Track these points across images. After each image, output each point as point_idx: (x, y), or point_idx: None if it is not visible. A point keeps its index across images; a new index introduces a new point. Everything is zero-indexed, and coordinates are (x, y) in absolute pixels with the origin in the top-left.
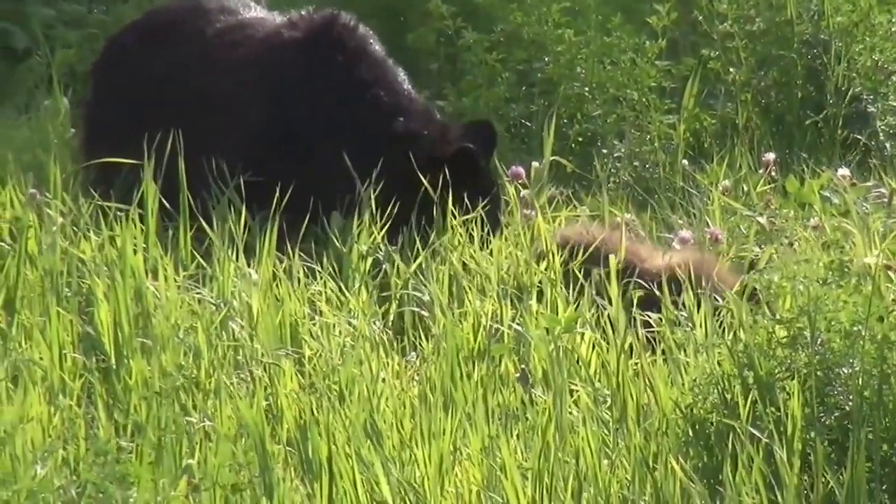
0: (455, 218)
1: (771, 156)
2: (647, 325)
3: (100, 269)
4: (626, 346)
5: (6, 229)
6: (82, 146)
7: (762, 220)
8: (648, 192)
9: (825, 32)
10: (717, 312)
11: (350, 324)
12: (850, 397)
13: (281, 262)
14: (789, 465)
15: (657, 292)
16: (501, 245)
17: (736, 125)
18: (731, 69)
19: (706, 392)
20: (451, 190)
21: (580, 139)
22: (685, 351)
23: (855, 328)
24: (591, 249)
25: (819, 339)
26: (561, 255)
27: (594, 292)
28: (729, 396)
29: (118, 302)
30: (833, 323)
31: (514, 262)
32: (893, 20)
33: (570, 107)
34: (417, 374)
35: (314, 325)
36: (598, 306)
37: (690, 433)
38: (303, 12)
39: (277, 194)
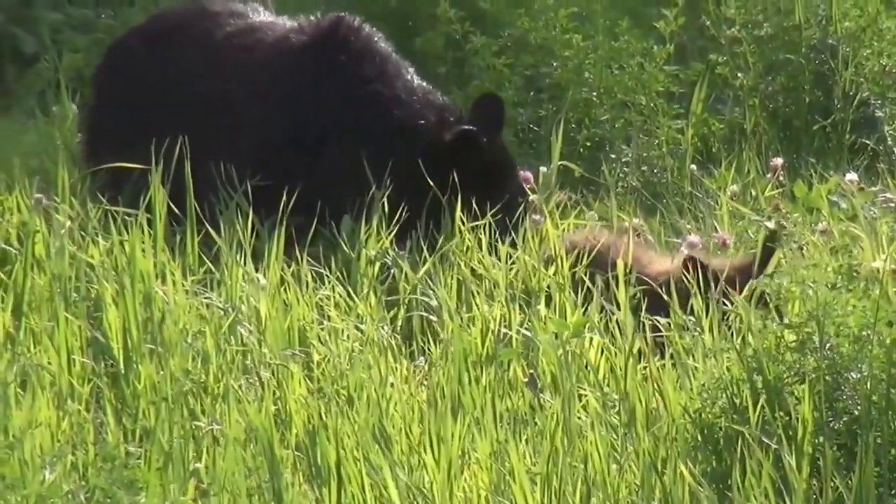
0: (464, 224)
1: (779, 160)
2: (655, 329)
3: (108, 273)
4: (635, 350)
5: (14, 234)
6: (87, 151)
7: (770, 224)
8: (656, 196)
9: (833, 37)
10: (725, 317)
11: (358, 328)
12: (859, 402)
13: (289, 266)
14: (798, 469)
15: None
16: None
17: (744, 130)
18: (738, 74)
19: (715, 397)
20: (458, 175)
21: (588, 144)
22: (694, 355)
23: (863, 333)
24: (595, 254)
25: (828, 344)
26: (568, 261)
27: (601, 297)
28: (738, 401)
29: (126, 307)
30: (842, 327)
31: (523, 267)
32: None
33: (578, 112)
34: (426, 379)
35: (322, 329)
36: (605, 311)
37: (699, 438)
38: (311, 17)
39: (287, 198)
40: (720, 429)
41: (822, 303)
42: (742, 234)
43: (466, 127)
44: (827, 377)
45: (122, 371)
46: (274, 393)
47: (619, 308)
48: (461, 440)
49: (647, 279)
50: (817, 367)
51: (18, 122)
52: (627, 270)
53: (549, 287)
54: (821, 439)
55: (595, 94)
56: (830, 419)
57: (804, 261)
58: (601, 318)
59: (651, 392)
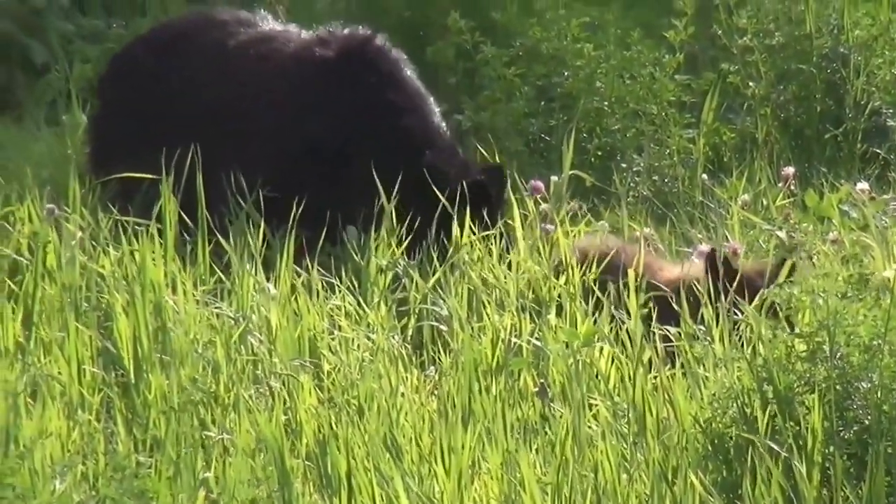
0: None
1: (790, 170)
2: (666, 339)
3: (119, 283)
4: (645, 359)
5: (25, 245)
6: (93, 160)
7: (781, 234)
8: (667, 206)
9: (844, 46)
10: (736, 326)
11: (369, 338)
12: (870, 411)
13: (299, 276)
14: (808, 479)
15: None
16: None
17: (755, 139)
18: (750, 83)
19: (725, 406)
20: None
21: (599, 153)
22: (704, 365)
23: (874, 342)
24: (605, 262)
25: (838, 354)
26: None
27: (612, 306)
28: (748, 411)
29: (137, 316)
30: (852, 337)
31: (533, 277)
32: None
33: (590, 121)
34: (436, 389)
35: (333, 339)
36: (616, 320)
37: (709, 447)
38: (334, 30)
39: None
40: (731, 438)
41: (833, 312)
42: (753, 244)
43: (482, 178)
44: (837, 387)
45: (133, 381)
46: (284, 402)
47: (629, 316)
48: (471, 450)
49: (658, 287)
50: (828, 376)
51: (29, 132)
52: (638, 278)
53: (559, 296)
54: (831, 449)
55: (606, 103)
56: (841, 428)
57: (815, 270)
58: (611, 328)
59: (661, 401)
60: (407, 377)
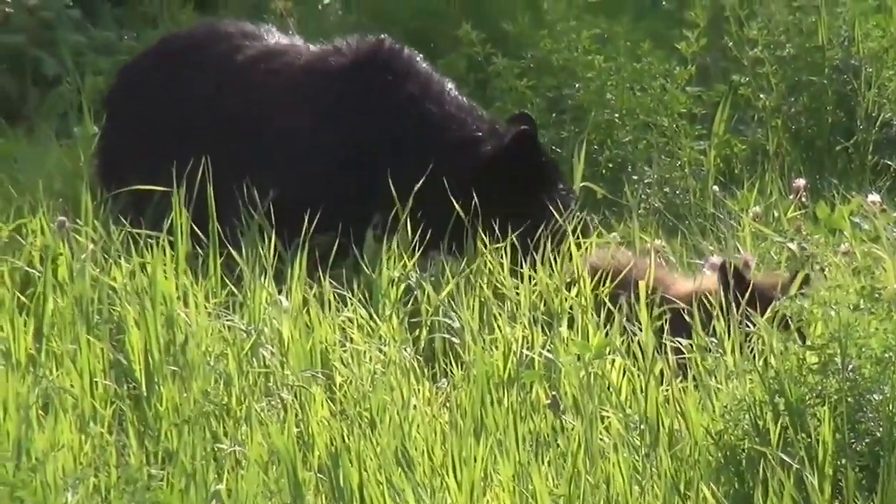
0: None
1: (801, 181)
2: (678, 351)
3: (130, 296)
4: (657, 372)
5: (37, 257)
6: (102, 173)
7: (793, 246)
8: (679, 218)
9: (856, 58)
10: (748, 338)
11: (381, 350)
12: (881, 423)
13: (311, 288)
14: (820, 491)
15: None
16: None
17: (766, 151)
18: (761, 95)
19: (737, 418)
20: (520, 176)
21: (610, 165)
22: (716, 377)
23: (886, 354)
24: (619, 277)
25: (850, 366)
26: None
27: (624, 319)
28: (760, 423)
29: (149, 329)
30: (864, 349)
31: (545, 289)
32: None
33: (601, 133)
34: (448, 401)
35: (345, 351)
36: (627, 332)
37: (722, 459)
38: (346, 40)
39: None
40: (743, 450)
41: (845, 325)
42: (764, 256)
43: (524, 127)
44: (849, 399)
45: (145, 393)
46: (296, 415)
47: (641, 329)
48: (483, 462)
49: (673, 300)
50: (839, 388)
51: (41, 145)
52: (651, 292)
53: (571, 309)
54: (843, 461)
55: (617, 115)
56: (852, 440)
57: (826, 282)
58: (623, 340)
59: (673, 413)
60: (419, 389)
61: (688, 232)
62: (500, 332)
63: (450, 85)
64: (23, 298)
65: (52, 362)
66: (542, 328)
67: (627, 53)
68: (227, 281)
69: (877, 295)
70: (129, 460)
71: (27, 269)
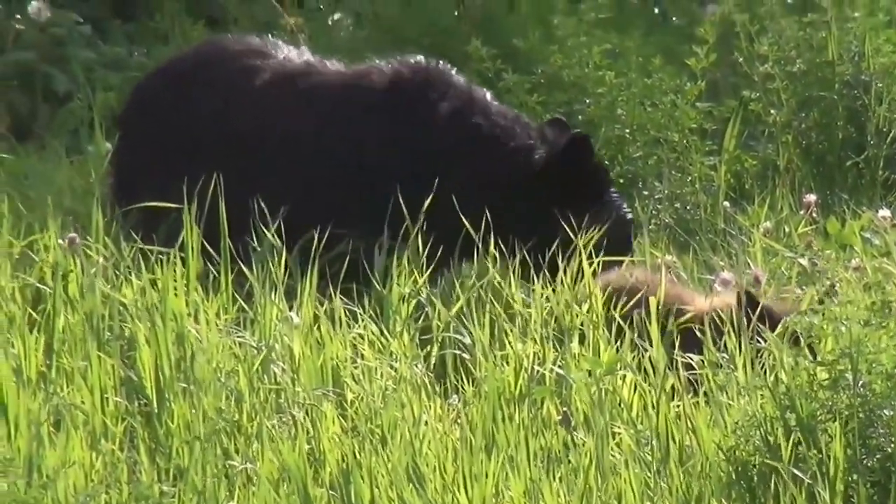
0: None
1: (812, 197)
2: (689, 367)
3: (141, 313)
4: (668, 387)
5: (49, 274)
6: (117, 191)
7: (803, 261)
8: (689, 233)
9: (866, 73)
10: (759, 354)
11: (392, 367)
12: (892, 439)
13: (322, 304)
14: None
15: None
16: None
17: (777, 166)
18: (771, 110)
19: (748, 434)
20: (573, 180)
21: (621, 181)
22: (727, 393)
23: None
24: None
25: (861, 382)
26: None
27: (636, 335)
28: (771, 438)
29: (159, 346)
30: (874, 365)
31: (556, 305)
32: None
33: (611, 148)
34: (459, 417)
35: (356, 368)
36: (639, 348)
37: (733, 475)
38: (380, 61)
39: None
40: (754, 466)
41: (856, 340)
42: (775, 271)
43: (577, 131)
44: (860, 414)
45: (156, 410)
46: (307, 432)
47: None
48: (495, 478)
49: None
50: (850, 404)
51: (51, 161)
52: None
53: (582, 325)
54: (854, 476)
55: (628, 130)
56: (864, 456)
57: (837, 298)
58: (634, 356)
59: (685, 429)
60: (430, 406)
61: (698, 247)
62: (512, 348)
63: (489, 96)
64: (34, 315)
65: (63, 379)
66: (554, 344)
67: (638, 69)
68: (238, 297)
69: (887, 310)
70: (141, 477)
71: (38, 285)
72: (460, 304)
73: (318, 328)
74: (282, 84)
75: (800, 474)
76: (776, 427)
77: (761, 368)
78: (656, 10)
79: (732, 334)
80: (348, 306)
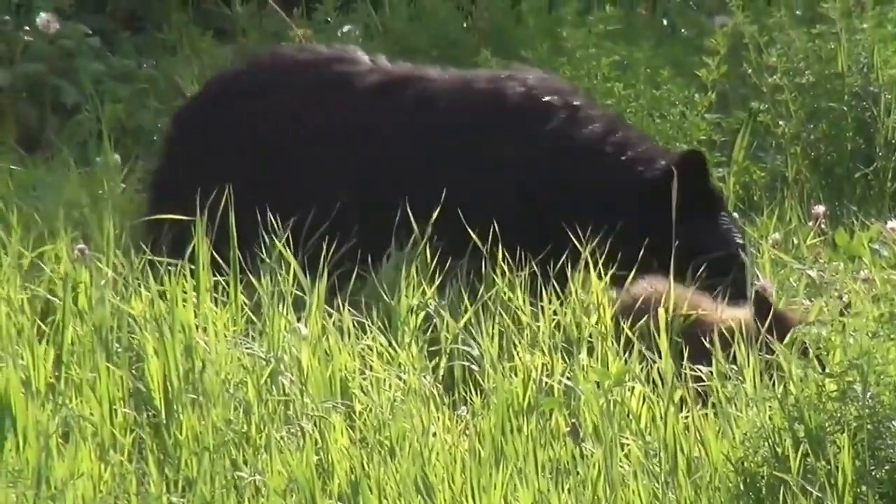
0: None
1: (821, 208)
2: (698, 378)
3: (149, 324)
4: (677, 399)
5: (59, 285)
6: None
7: (812, 273)
8: None
9: (875, 85)
10: (768, 366)
11: (400, 378)
12: None
13: (330, 316)
14: None
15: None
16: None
17: (786, 178)
18: (780, 122)
19: (757, 445)
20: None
21: None
22: (735, 404)
23: None
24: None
25: (869, 393)
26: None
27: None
28: (780, 450)
29: (168, 357)
30: (883, 376)
31: (563, 316)
32: None
33: None
34: (468, 429)
35: (364, 379)
36: (647, 360)
37: (741, 486)
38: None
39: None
40: (762, 477)
41: (864, 352)
42: (784, 283)
43: (693, 149)
44: (868, 426)
45: (164, 421)
46: (316, 443)
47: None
48: (503, 490)
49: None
50: (859, 415)
51: (60, 173)
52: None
53: (590, 336)
54: (863, 488)
55: None
56: (872, 468)
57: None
58: (643, 367)
59: (693, 441)
60: (438, 417)
61: None
62: (520, 359)
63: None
64: (43, 326)
65: (72, 390)
66: (562, 355)
67: (647, 80)
68: (247, 308)
69: None
70: (149, 488)
71: (48, 296)
72: (468, 315)
73: (327, 339)
74: (393, 91)
75: (808, 486)
76: (785, 438)
77: (770, 379)
78: (665, 22)
79: (743, 345)
80: (356, 317)
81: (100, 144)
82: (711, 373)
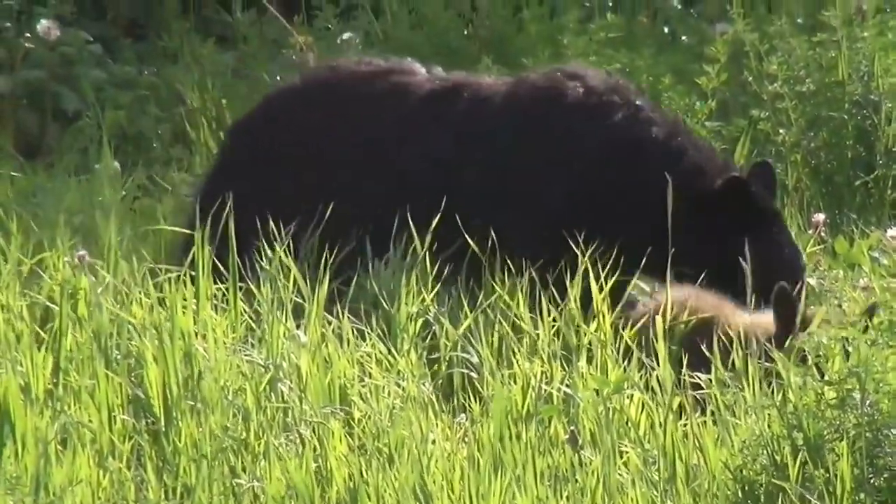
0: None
1: (821, 216)
2: (696, 386)
3: (149, 331)
4: (675, 406)
5: (58, 292)
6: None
7: (812, 281)
8: None
9: (875, 93)
10: (767, 374)
11: (399, 385)
12: None
13: (329, 323)
14: None
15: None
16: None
17: (786, 186)
18: (781, 130)
19: (755, 453)
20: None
21: None
22: (734, 412)
23: None
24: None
25: (868, 401)
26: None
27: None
28: (778, 458)
29: (167, 364)
30: (882, 384)
31: (563, 324)
32: None
33: None
34: (466, 436)
35: (363, 386)
36: (646, 367)
37: (740, 494)
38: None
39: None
40: (761, 485)
41: (863, 360)
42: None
43: (735, 174)
44: (867, 434)
45: (163, 428)
46: (314, 450)
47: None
48: (502, 497)
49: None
50: (857, 423)
51: (61, 180)
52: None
53: (590, 343)
54: (862, 496)
55: None
56: (871, 476)
57: (845, 317)
58: (641, 375)
59: (692, 448)
60: (437, 424)
61: None
62: (519, 366)
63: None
64: (42, 333)
65: (71, 397)
66: (561, 363)
67: (648, 88)
68: (246, 315)
69: (895, 330)
70: (148, 495)
71: (48, 304)
72: (468, 322)
73: (326, 346)
74: (449, 96)
75: (807, 494)
76: (783, 446)
77: (769, 387)
78: (666, 30)
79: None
80: (356, 325)
81: (100, 151)
82: (710, 380)
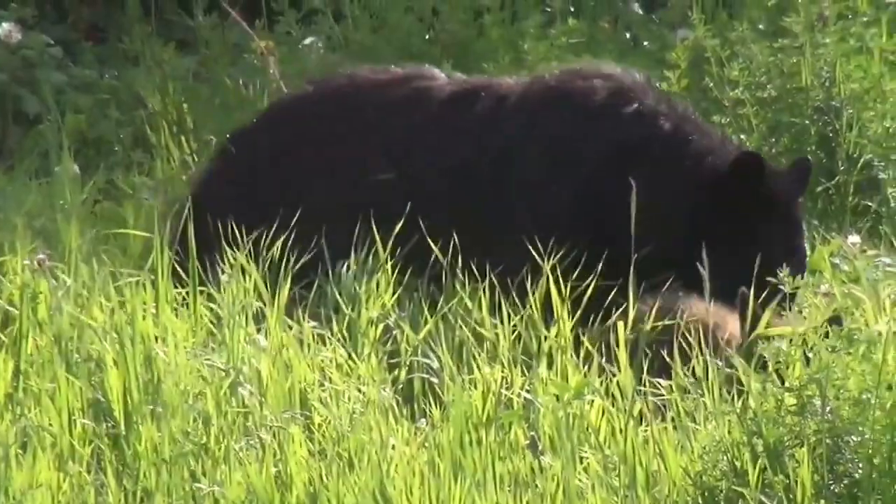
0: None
1: None
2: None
3: (109, 335)
4: (636, 412)
5: (17, 296)
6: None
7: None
8: None
9: (837, 99)
10: (729, 379)
11: (359, 390)
12: (860, 465)
13: (290, 328)
14: None
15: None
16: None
17: None
18: (742, 136)
19: (715, 459)
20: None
21: None
22: (695, 418)
23: (864, 396)
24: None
25: (828, 407)
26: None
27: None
28: (738, 464)
29: (128, 368)
30: (842, 391)
31: (523, 328)
32: None
33: None
34: (427, 441)
35: (324, 391)
36: (606, 373)
37: (700, 500)
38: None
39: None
40: (721, 491)
41: (823, 366)
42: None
43: (747, 150)
44: (827, 440)
45: (123, 432)
46: (275, 455)
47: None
48: (462, 502)
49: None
50: (818, 430)
51: (21, 183)
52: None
53: (550, 349)
54: (822, 502)
55: None
56: (831, 482)
57: (805, 323)
58: (602, 381)
59: (652, 454)
60: (398, 429)
61: None
62: (479, 372)
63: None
64: (2, 337)
65: (31, 401)
66: (522, 368)
67: None
68: (206, 320)
69: (854, 336)
70: (108, 499)
71: (8, 307)
72: (428, 327)
73: (287, 351)
74: (469, 97)
75: (767, 500)
76: (743, 452)
77: (729, 393)
78: (627, 35)
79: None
80: (317, 329)
81: (61, 155)
82: (671, 386)
